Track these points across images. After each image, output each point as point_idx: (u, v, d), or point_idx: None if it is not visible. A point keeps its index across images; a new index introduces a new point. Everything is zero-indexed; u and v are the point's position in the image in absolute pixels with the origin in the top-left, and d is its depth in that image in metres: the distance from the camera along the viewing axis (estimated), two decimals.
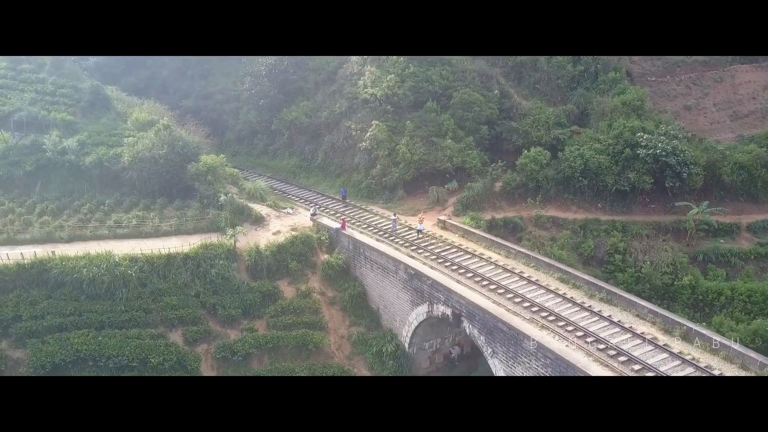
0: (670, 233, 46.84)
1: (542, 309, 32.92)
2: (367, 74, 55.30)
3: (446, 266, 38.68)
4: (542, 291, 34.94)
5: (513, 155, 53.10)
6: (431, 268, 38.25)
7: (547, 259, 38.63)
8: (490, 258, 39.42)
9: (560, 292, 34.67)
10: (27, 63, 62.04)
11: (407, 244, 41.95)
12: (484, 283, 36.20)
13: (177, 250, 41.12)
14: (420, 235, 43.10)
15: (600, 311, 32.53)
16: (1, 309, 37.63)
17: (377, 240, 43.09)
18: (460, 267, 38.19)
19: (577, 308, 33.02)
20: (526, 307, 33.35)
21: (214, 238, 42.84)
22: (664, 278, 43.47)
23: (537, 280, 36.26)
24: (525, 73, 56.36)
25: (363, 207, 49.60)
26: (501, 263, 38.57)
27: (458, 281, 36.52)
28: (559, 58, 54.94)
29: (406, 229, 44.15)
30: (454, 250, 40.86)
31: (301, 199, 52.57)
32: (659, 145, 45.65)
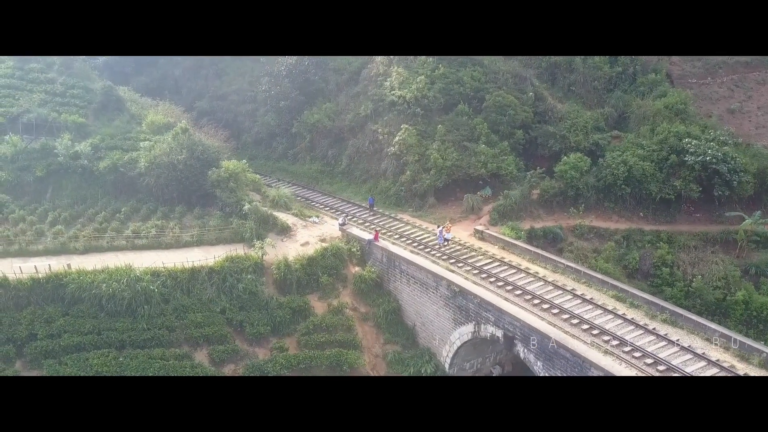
0: (719, 245, 44.29)
1: (603, 332, 30.46)
2: (394, 75, 52.72)
3: (491, 282, 36.20)
4: (600, 311, 32.47)
5: (548, 161, 50.65)
6: (474, 283, 35.74)
7: (599, 275, 36.15)
8: (537, 273, 36.94)
9: (619, 313, 32.21)
10: (35, 62, 59.36)
11: (445, 257, 39.47)
12: (536, 301, 33.74)
13: (201, 263, 38.60)
14: (447, 244, 40.86)
15: (666, 334, 30.08)
16: (14, 327, 35.27)
17: (412, 252, 40.60)
18: (507, 283, 35.71)
19: (641, 331, 30.56)
20: (585, 330, 30.89)
21: (238, 250, 40.34)
22: (715, 293, 40.98)
23: (592, 298, 33.80)
24: (559, 74, 53.80)
25: (392, 216, 47.06)
26: (549, 279, 36.10)
27: (506, 299, 34.03)
28: (596, 58, 52.46)
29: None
30: (497, 263, 38.37)
31: (325, 206, 50.02)
32: (709, 151, 43.16)
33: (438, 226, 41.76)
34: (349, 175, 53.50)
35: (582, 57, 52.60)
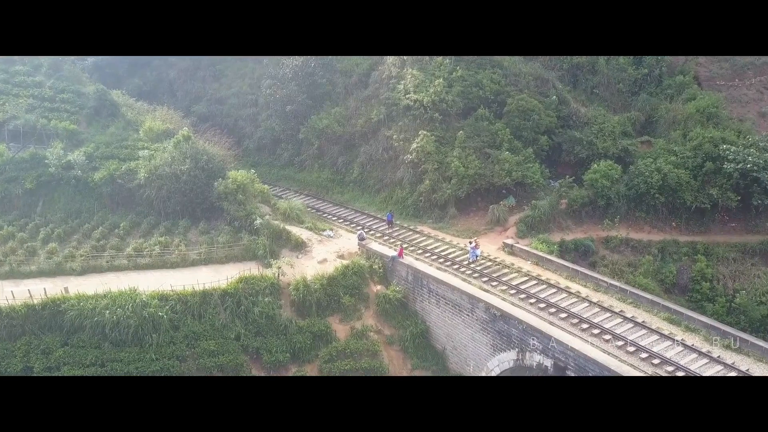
0: (758, 256, 42.02)
1: (665, 361, 27.85)
2: (409, 78, 49.73)
3: (531, 303, 33.46)
4: (656, 336, 29.84)
5: (571, 168, 48.08)
6: (516, 306, 32.91)
7: (648, 295, 33.57)
8: (578, 292, 34.27)
9: (677, 338, 29.59)
10: (21, 65, 55.67)
11: (476, 275, 36.68)
12: (584, 326, 31.04)
13: (213, 285, 35.44)
14: (474, 259, 38.28)
15: (734, 363, 27.53)
16: (8, 360, 32.28)
17: (439, 269, 37.75)
18: (549, 304, 32.99)
19: (706, 360, 28.00)
20: (644, 359, 28.25)
21: (251, 269, 37.23)
22: (761, 309, 38.67)
23: (644, 321, 31.18)
24: (581, 76, 51.12)
25: (411, 228, 44.14)
26: (594, 299, 33.44)
27: (552, 323, 31.26)
28: (620, 59, 49.97)
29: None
30: (534, 282, 35.63)
31: (338, 218, 46.94)
32: (749, 158, 40.76)
33: (469, 242, 38.90)
34: (362, 184, 50.40)
35: (605, 58, 50.11)
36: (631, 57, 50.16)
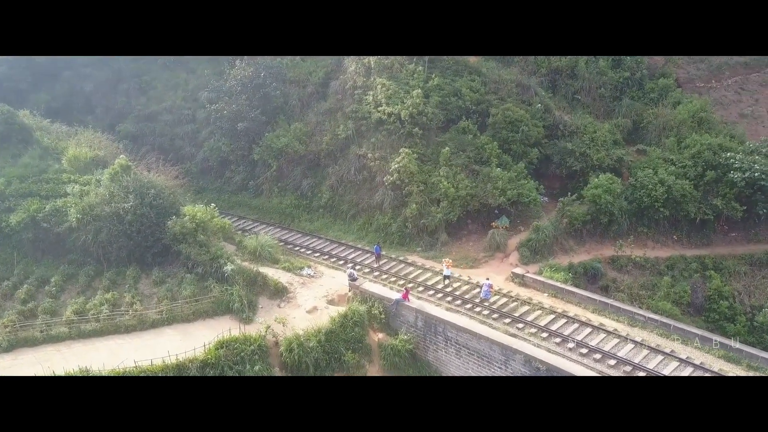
0: (767, 268, 40.13)
1: None
2: (379, 88, 44.24)
3: (570, 349, 29.10)
4: None
5: (562, 181, 44.61)
6: (556, 354, 28.45)
7: (695, 330, 30.22)
8: (616, 330, 30.37)
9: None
10: None
11: (495, 315, 32.02)
12: (640, 373, 27.04)
13: (187, 355, 28.53)
14: (447, 281, 35.14)
15: None
16: None
17: (447, 309, 32.82)
18: (592, 349, 28.75)
19: None
20: None
21: (226, 325, 30.72)
22: None
23: (702, 363, 27.63)
24: (561, 81, 47.62)
25: (399, 259, 38.91)
26: (637, 338, 29.62)
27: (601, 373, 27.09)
28: (600, 63, 46.92)
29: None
30: (563, 320, 31.38)
31: (313, 251, 40.84)
32: (756, 166, 38.63)
33: (486, 279, 34.08)
34: (333, 210, 44.41)
35: (585, 61, 46.89)
36: (610, 60, 47.28)
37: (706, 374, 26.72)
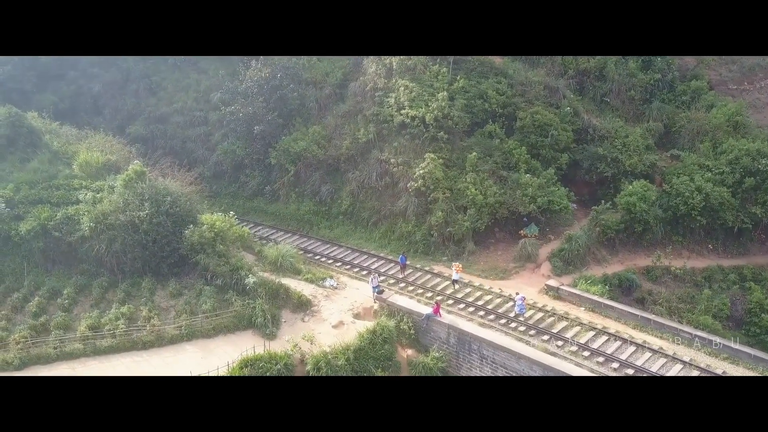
0: None
1: None
2: (401, 90, 42.55)
3: (615, 369, 27.43)
4: None
5: (591, 188, 43.03)
6: (591, 372, 26.85)
7: (748, 350, 28.50)
8: (662, 349, 28.78)
9: None
10: None
11: (532, 331, 30.37)
12: None
13: (210, 374, 26.95)
14: (457, 286, 34.24)
15: None
16: None
17: (480, 324, 31.19)
18: (638, 369, 27.13)
19: None
20: None
21: (249, 341, 29.24)
22: None
23: None
24: (588, 83, 45.90)
25: (425, 269, 37.29)
26: (685, 358, 27.99)
27: None
28: (630, 64, 45.19)
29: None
30: (604, 337, 29.75)
31: (334, 260, 39.18)
32: None
33: (516, 293, 32.43)
34: (354, 217, 42.75)
35: (614, 62, 45.15)
36: (640, 61, 45.52)
37: None
